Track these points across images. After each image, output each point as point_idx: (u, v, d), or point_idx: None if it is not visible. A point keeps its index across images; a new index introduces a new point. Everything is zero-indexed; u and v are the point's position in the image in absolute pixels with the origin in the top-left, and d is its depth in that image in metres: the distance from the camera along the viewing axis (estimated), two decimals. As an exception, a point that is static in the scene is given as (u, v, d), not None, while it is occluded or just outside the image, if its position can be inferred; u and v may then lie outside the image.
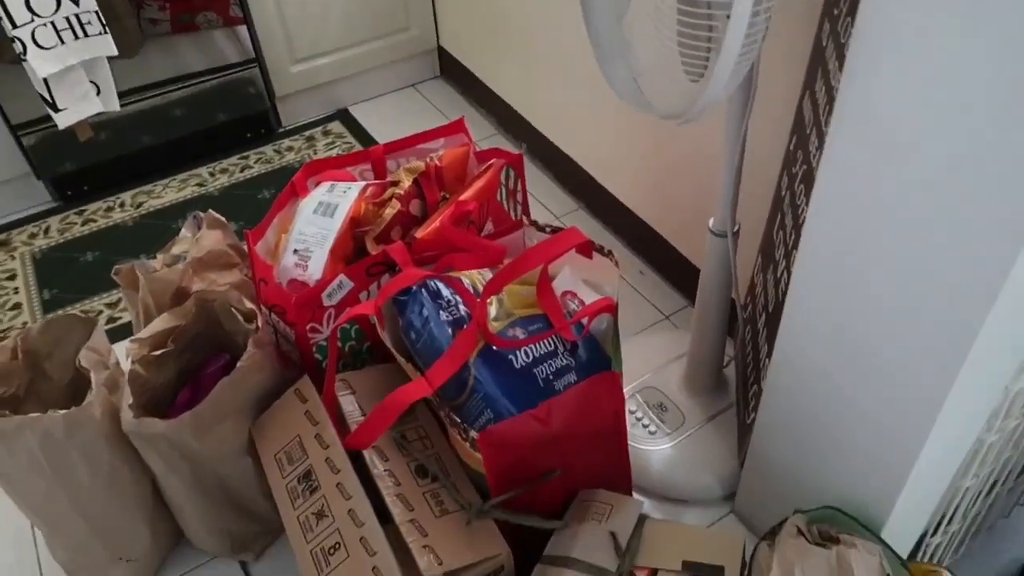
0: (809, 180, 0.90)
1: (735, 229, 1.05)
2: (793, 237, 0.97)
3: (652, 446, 1.23)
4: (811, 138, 0.93)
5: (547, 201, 1.76)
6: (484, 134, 1.97)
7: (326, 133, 2.02)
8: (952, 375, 0.72)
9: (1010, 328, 0.71)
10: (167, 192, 1.86)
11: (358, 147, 1.94)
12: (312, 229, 1.09)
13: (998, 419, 0.81)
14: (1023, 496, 1.12)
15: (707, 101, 0.72)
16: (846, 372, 0.86)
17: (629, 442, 1.23)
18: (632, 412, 1.27)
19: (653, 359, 1.36)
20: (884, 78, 0.67)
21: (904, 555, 0.89)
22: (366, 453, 0.94)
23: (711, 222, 1.06)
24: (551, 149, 1.76)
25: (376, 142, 1.93)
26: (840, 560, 0.81)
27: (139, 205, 1.82)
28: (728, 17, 0.66)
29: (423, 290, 0.97)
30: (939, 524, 0.96)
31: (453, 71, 2.11)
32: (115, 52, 1.59)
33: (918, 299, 0.73)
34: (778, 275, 1.04)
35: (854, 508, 0.92)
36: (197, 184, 1.87)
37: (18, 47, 1.46)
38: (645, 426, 1.26)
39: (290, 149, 1.97)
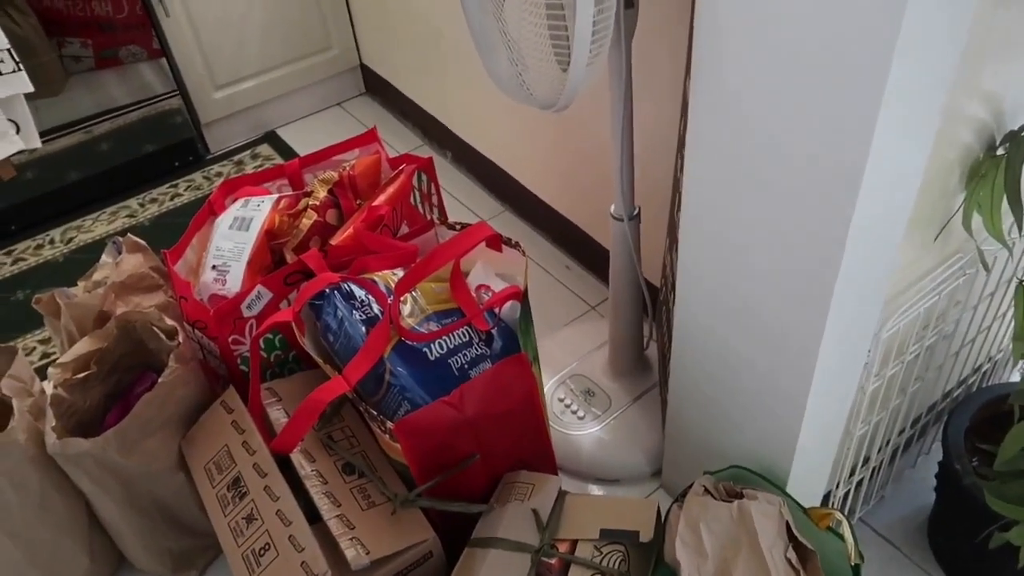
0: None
1: (634, 213, 1.10)
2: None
3: (582, 431, 1.27)
4: (691, 120, 0.98)
5: (472, 204, 1.80)
6: (411, 145, 2.01)
7: (255, 156, 2.04)
8: (820, 324, 0.78)
9: (864, 275, 0.77)
10: (97, 225, 1.86)
11: (287, 167, 1.97)
12: (228, 244, 1.12)
13: (874, 367, 0.87)
14: (927, 446, 1.18)
15: (573, 88, 0.77)
16: (737, 334, 0.91)
17: (560, 428, 1.28)
18: (561, 400, 1.32)
19: (580, 348, 1.40)
20: (726, 58, 0.73)
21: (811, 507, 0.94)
22: (293, 456, 0.97)
23: (612, 208, 1.11)
24: (472, 154, 1.81)
25: (305, 161, 1.95)
26: (742, 511, 0.85)
27: (69, 240, 1.82)
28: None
29: (336, 292, 1.00)
30: (842, 476, 1.01)
31: (377, 87, 2.15)
32: (31, 89, 1.60)
33: (782, 255, 0.78)
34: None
35: (759, 466, 0.97)
36: (127, 215, 1.88)
37: (-72, 90, 1.46)
38: (574, 412, 1.30)
39: (219, 175, 1.98)
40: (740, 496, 0.90)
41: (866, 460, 1.03)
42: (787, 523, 0.86)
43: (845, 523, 0.85)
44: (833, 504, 1.05)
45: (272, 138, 2.09)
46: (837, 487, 1.02)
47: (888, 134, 0.65)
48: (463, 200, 1.81)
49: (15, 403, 0.97)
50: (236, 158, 2.03)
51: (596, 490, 1.25)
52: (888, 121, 0.64)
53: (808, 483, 0.99)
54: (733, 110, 0.76)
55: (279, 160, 2.02)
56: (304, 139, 2.08)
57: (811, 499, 1.00)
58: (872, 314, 0.82)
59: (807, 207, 0.73)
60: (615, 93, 0.97)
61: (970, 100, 0.79)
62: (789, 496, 0.91)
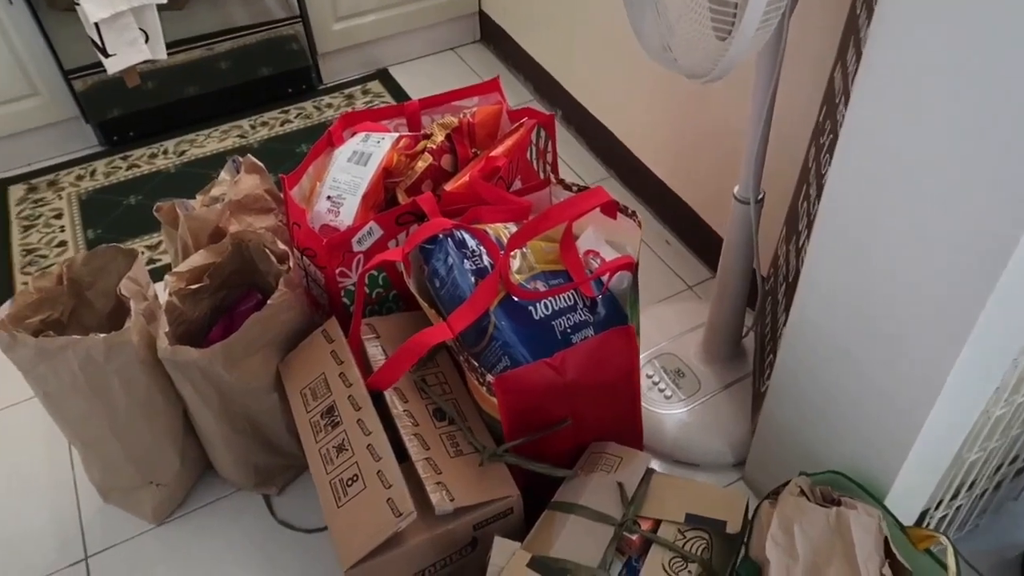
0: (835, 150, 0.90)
1: (759, 197, 1.06)
2: (816, 207, 0.98)
3: (667, 410, 1.25)
4: (840, 108, 0.93)
5: (577, 167, 1.77)
6: (520, 99, 1.98)
7: (365, 92, 2.04)
8: (958, 346, 0.73)
9: (1017, 302, 0.72)
10: (209, 142, 1.90)
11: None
12: (345, 177, 1.12)
13: (1006, 392, 0.82)
14: (1033, 479, 1.12)
15: (732, 59, 0.73)
16: (856, 340, 0.87)
17: (645, 405, 1.26)
18: (649, 376, 1.30)
19: (673, 326, 1.37)
20: (909, 43, 0.68)
21: (907, 524, 0.90)
22: (387, 393, 0.98)
23: (736, 189, 1.07)
24: (585, 116, 1.77)
25: (413, 103, 1.95)
26: (839, 519, 0.83)
27: (181, 153, 1.87)
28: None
29: (449, 239, 1.00)
30: (944, 498, 0.97)
31: (493, 36, 2.12)
32: (164, 0, 1.64)
33: (927, 269, 0.74)
34: (800, 245, 1.05)
35: (859, 475, 0.93)
36: (238, 135, 1.92)
37: (73, -9, 1.51)
38: (661, 390, 1.28)
39: (329, 106, 2.00)
40: (838, 503, 0.87)
41: (971, 485, 0.98)
42: (885, 538, 0.82)
43: (951, 549, 0.81)
44: (928, 525, 1.00)
45: (383, 76, 2.09)
46: (936, 508, 0.98)
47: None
48: (567, 160, 1.79)
49: (132, 304, 1.01)
50: (347, 91, 2.05)
51: (675, 472, 1.23)
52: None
53: (906, 501, 0.95)
54: (903, 105, 0.71)
55: (389, 98, 2.02)
56: (415, 80, 2.08)
57: (907, 517, 0.97)
58: (1016, 340, 0.77)
59: (969, 228, 0.68)
60: (761, 70, 0.92)
61: None
62: (888, 511, 0.88)
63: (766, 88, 0.92)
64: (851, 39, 0.93)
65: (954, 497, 0.98)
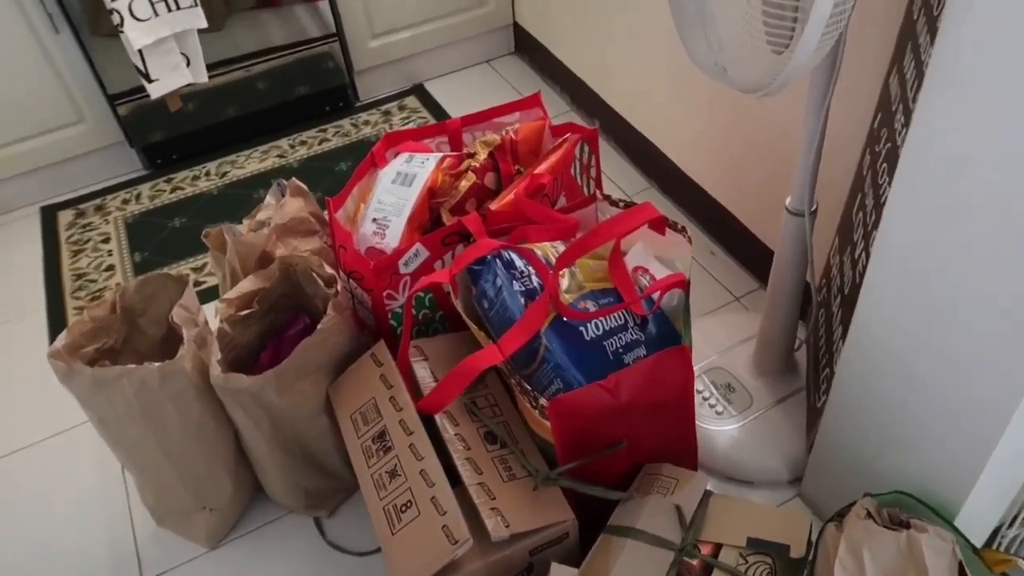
0: (893, 159, 0.88)
1: (813, 208, 1.04)
2: (873, 218, 0.95)
3: (719, 426, 1.23)
4: (897, 116, 0.90)
5: (618, 179, 1.76)
6: (557, 111, 1.97)
7: (402, 108, 2.05)
8: (1036, 362, 0.70)
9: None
10: (249, 163, 1.92)
11: (433, 122, 1.97)
12: (390, 198, 1.12)
13: (1085, 411, 0.79)
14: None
15: (791, 73, 0.71)
16: (922, 361, 0.84)
17: (696, 422, 1.23)
18: (699, 392, 1.27)
19: (722, 340, 1.35)
20: (979, 48, 0.65)
21: (978, 545, 0.87)
22: (438, 417, 0.97)
23: (788, 201, 1.04)
24: (624, 127, 1.75)
25: (450, 117, 1.95)
26: (911, 543, 0.80)
27: (223, 174, 1.90)
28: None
29: (497, 260, 0.99)
30: (1017, 516, 0.94)
31: (528, 47, 2.12)
32: (205, 24, 1.66)
33: (999, 292, 0.71)
34: (855, 256, 1.02)
35: (927, 495, 0.90)
36: (278, 155, 1.94)
37: (116, 19, 1.53)
38: (712, 406, 1.25)
39: (367, 123, 2.01)
40: (907, 526, 0.84)
41: (1044, 504, 0.94)
42: (960, 563, 0.79)
43: (1031, 575, 0.78)
44: (999, 546, 0.97)
45: (419, 91, 2.10)
46: (1009, 527, 0.94)
47: None
48: (608, 172, 1.77)
49: (184, 332, 1.01)
50: (384, 108, 2.05)
51: (729, 489, 1.20)
52: None
53: (977, 521, 0.92)
54: (977, 109, 0.68)
55: (425, 113, 2.03)
56: (451, 94, 2.08)
57: (977, 538, 0.93)
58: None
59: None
60: (817, 81, 0.90)
61: None
62: (960, 533, 0.85)
63: (821, 99, 0.90)
64: (907, 44, 0.90)
65: (1027, 516, 0.94)
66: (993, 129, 0.67)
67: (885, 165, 0.93)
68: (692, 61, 0.88)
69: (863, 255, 0.98)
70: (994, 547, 0.97)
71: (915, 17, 0.89)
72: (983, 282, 0.74)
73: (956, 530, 0.85)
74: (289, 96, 1.99)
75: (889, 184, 0.85)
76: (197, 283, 1.62)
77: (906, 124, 0.83)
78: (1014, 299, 0.71)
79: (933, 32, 0.74)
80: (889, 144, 0.93)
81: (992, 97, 0.66)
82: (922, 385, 0.87)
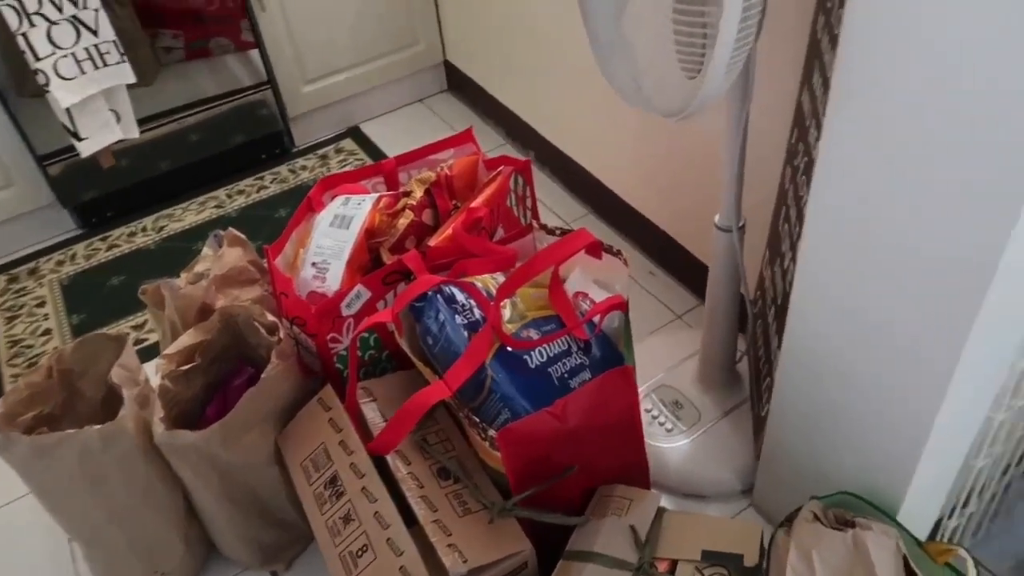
0: (811, 172, 0.92)
1: (740, 224, 1.07)
2: (798, 229, 0.99)
3: (669, 443, 1.25)
4: (811, 130, 0.95)
5: (556, 207, 1.79)
6: (492, 145, 2.00)
7: (338, 151, 2.06)
8: (957, 352, 0.74)
9: (1011, 304, 0.73)
10: (187, 215, 1.90)
11: (370, 163, 1.98)
12: (329, 242, 1.12)
13: (1007, 397, 0.83)
14: (1041, 477, 1.12)
15: (704, 97, 0.74)
16: (854, 356, 0.88)
17: (647, 440, 1.25)
18: (648, 411, 1.29)
19: (667, 358, 1.38)
20: (876, 58, 0.70)
21: (921, 538, 0.90)
22: (389, 457, 0.97)
23: (716, 218, 1.08)
24: (558, 156, 1.79)
25: (387, 157, 1.96)
26: (856, 542, 0.82)
27: (160, 229, 1.87)
28: (721, 10, 0.68)
29: (438, 296, 1.00)
30: (955, 507, 0.97)
31: (460, 84, 2.15)
32: (133, 80, 1.65)
33: (920, 277, 0.74)
34: (785, 267, 1.06)
35: (869, 493, 0.93)
36: (215, 206, 1.92)
37: (41, 79, 1.51)
38: (662, 424, 1.27)
39: (304, 168, 2.01)
40: (852, 525, 0.87)
41: (981, 491, 0.98)
42: (905, 557, 0.82)
43: (971, 562, 0.81)
44: (942, 537, 1.00)
45: (355, 133, 2.11)
46: (949, 518, 0.98)
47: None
48: (545, 201, 1.80)
49: (124, 392, 1.00)
50: (320, 152, 2.06)
51: (683, 505, 1.22)
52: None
53: (919, 513, 0.95)
54: (877, 116, 0.72)
55: (363, 155, 2.04)
56: (386, 135, 2.09)
57: (921, 530, 0.96)
58: (1012, 344, 0.78)
59: (959, 232, 0.69)
60: (733, 101, 0.94)
61: None
62: (903, 528, 0.88)
63: (738, 119, 0.94)
64: (815, 63, 0.95)
65: (965, 505, 0.98)
66: (893, 140, 0.71)
67: (804, 178, 0.97)
68: (614, 89, 0.91)
69: (791, 264, 1.02)
70: (937, 538, 1.00)
71: (819, 37, 0.94)
72: (900, 271, 0.77)
73: (899, 525, 0.88)
74: (225, 146, 1.98)
75: (809, 195, 0.89)
76: (138, 341, 1.59)
77: (819, 138, 0.87)
78: (927, 293, 0.74)
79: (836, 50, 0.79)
80: (806, 158, 0.97)
81: (891, 109, 0.70)
82: (853, 388, 0.90)
